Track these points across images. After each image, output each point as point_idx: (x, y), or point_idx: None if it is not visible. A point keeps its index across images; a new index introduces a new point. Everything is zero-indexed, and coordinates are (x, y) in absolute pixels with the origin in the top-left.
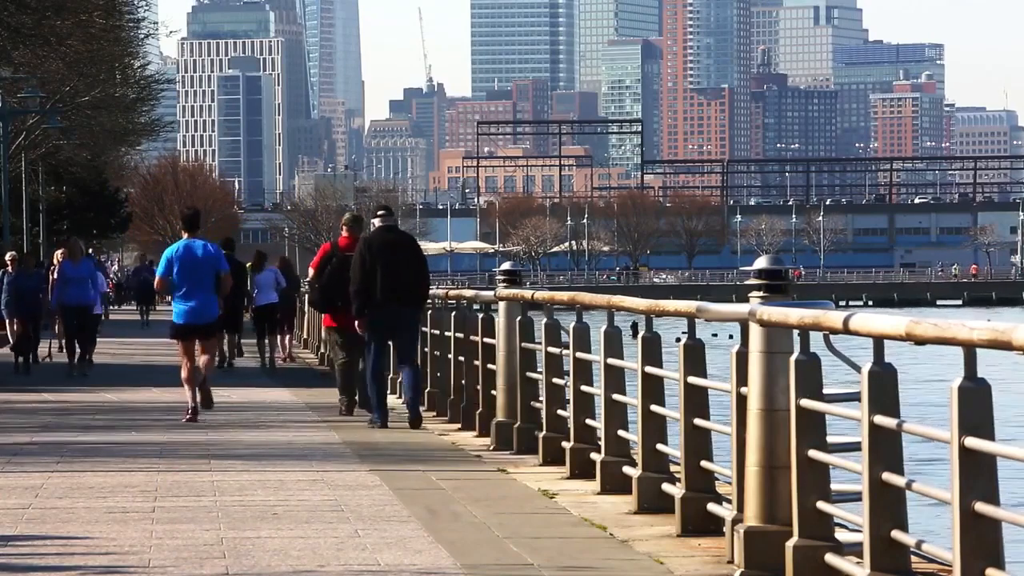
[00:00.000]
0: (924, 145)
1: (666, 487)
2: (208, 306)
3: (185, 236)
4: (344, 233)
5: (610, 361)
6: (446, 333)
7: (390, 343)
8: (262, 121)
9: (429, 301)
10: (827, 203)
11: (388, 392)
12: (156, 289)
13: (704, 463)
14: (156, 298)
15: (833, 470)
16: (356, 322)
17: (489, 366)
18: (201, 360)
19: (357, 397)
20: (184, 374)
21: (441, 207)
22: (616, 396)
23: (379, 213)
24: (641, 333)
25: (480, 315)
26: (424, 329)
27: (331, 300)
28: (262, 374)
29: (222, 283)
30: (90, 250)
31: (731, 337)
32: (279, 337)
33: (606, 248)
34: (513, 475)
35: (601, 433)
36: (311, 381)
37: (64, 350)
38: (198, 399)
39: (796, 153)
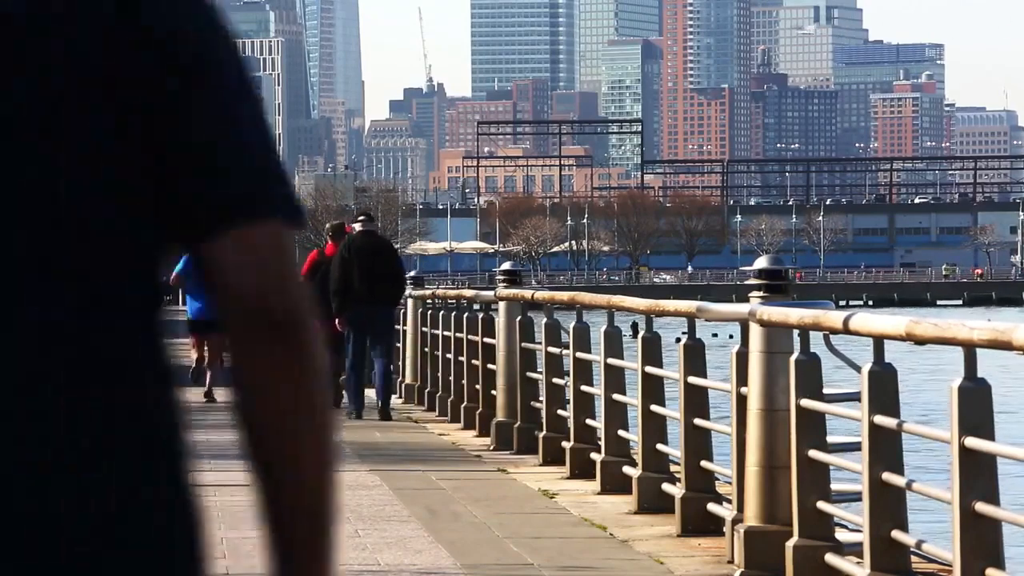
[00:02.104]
0: (924, 145)
1: (666, 487)
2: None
3: None
4: (329, 242)
5: (610, 361)
6: (446, 333)
7: (367, 340)
8: None
9: (429, 301)
10: (827, 203)
11: (365, 385)
12: (170, 283)
13: (704, 463)
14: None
15: (833, 470)
16: (336, 319)
17: (489, 366)
18: (207, 360)
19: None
20: (194, 356)
21: (441, 207)
22: (616, 396)
23: (360, 219)
24: (641, 333)
25: (480, 315)
26: (424, 329)
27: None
28: None
29: None
30: None
31: (731, 337)
32: None
33: (606, 248)
34: (513, 475)
35: (601, 433)
36: None
37: None
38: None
39: (796, 153)
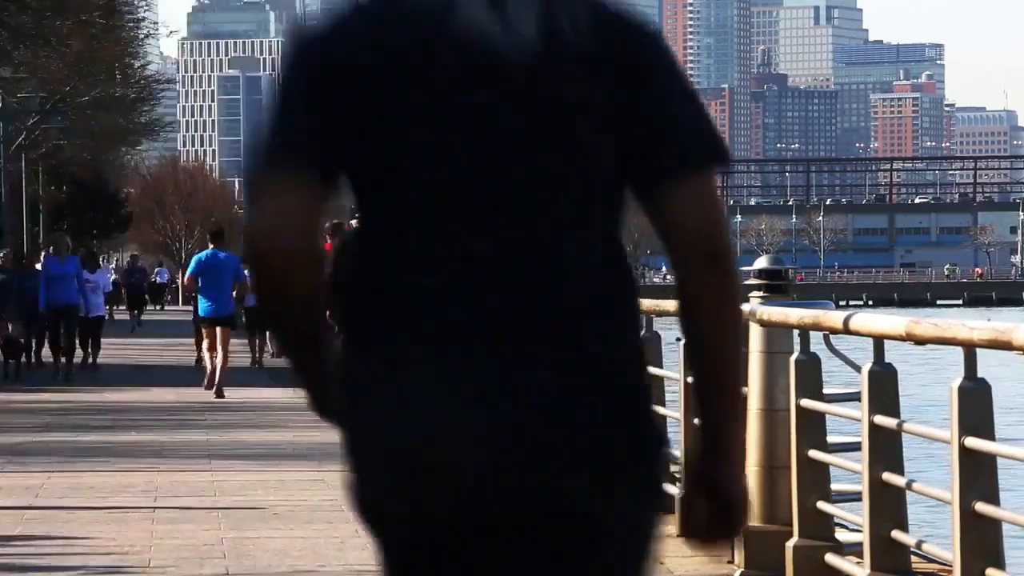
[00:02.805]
0: (924, 145)
1: (666, 487)
2: (225, 303)
3: (212, 247)
4: (328, 241)
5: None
6: None
7: None
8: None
9: None
10: (827, 203)
11: None
12: (185, 284)
13: None
14: (146, 301)
15: (833, 470)
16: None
17: None
18: (218, 356)
19: None
20: (206, 348)
21: None
22: None
23: (356, 216)
24: (641, 333)
25: None
26: None
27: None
28: (257, 371)
29: (239, 288)
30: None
31: None
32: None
33: None
34: None
35: None
36: None
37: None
38: (217, 376)
39: (796, 153)
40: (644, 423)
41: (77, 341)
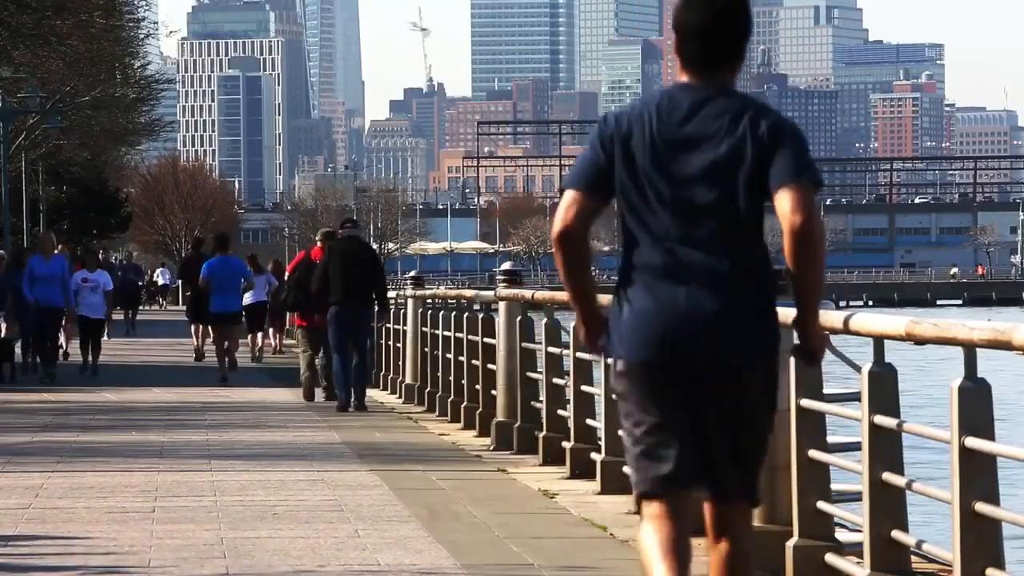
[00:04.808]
0: (924, 145)
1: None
2: (233, 301)
3: (218, 253)
4: (318, 245)
5: (610, 361)
6: (446, 333)
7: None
8: (262, 121)
9: (429, 301)
10: (827, 203)
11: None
12: (200, 287)
13: None
14: (140, 300)
15: (833, 470)
16: (315, 315)
17: (489, 366)
18: (228, 343)
19: (317, 384)
20: (216, 347)
21: (441, 207)
22: (616, 396)
23: (345, 225)
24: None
25: (480, 315)
26: (424, 329)
27: (299, 302)
28: (256, 369)
29: (245, 287)
30: (100, 252)
31: None
32: (271, 332)
33: (606, 248)
34: (513, 475)
35: (601, 433)
36: None
37: (33, 352)
38: (226, 368)
39: None
40: (769, 328)
41: (78, 346)
